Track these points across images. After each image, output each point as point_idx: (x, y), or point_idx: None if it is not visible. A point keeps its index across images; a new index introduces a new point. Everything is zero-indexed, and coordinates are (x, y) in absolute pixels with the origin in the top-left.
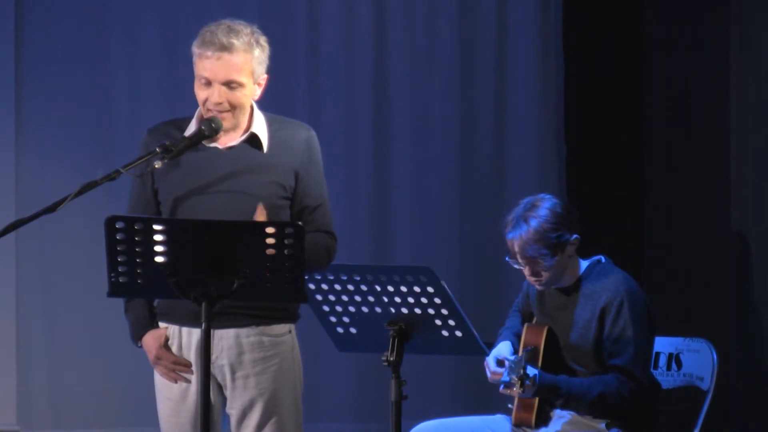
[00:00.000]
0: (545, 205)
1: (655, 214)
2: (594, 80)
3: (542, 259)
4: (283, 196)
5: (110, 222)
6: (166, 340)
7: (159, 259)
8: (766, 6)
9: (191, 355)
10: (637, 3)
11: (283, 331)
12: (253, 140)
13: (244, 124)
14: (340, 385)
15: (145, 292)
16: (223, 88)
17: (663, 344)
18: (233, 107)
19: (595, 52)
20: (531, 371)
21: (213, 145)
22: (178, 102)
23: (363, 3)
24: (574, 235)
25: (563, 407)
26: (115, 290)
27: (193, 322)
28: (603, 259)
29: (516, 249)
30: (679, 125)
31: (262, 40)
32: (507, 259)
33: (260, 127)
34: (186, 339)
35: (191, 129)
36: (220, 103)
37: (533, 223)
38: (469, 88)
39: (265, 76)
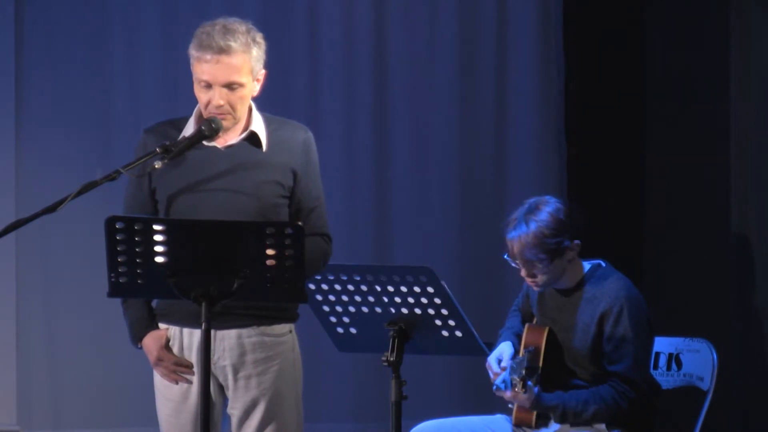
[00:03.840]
0: (547, 209)
1: (655, 214)
2: (594, 80)
3: (539, 263)
4: (282, 194)
5: (110, 222)
6: (167, 341)
7: (159, 259)
8: (766, 5)
9: (192, 355)
10: (637, 3)
11: (284, 331)
12: (252, 138)
13: (242, 125)
14: (340, 385)
15: (145, 292)
16: (224, 90)
17: (663, 344)
18: (234, 108)
19: (595, 52)
20: (535, 373)
21: (212, 144)
22: (178, 102)
23: (363, 3)
24: (575, 240)
25: (559, 423)
26: (115, 290)
27: (193, 323)
28: (603, 264)
29: (515, 251)
30: (679, 125)
31: (258, 37)
32: (505, 257)
33: (259, 126)
34: (187, 340)
35: (189, 129)
36: (222, 106)
37: (533, 226)
38: (469, 88)
39: (263, 71)
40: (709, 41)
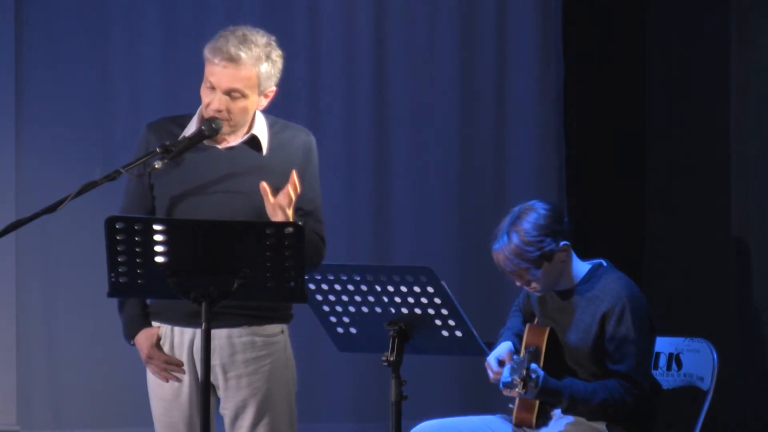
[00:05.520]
0: (529, 218)
1: (655, 214)
2: (594, 80)
3: (526, 272)
4: None
5: (110, 222)
6: (158, 339)
7: (159, 259)
8: (766, 6)
9: (183, 354)
10: (637, 3)
11: (276, 331)
12: (252, 142)
13: (244, 129)
14: (339, 385)
15: (145, 292)
16: (225, 97)
17: (663, 344)
18: (232, 116)
19: (595, 52)
20: (535, 373)
21: (212, 145)
22: (178, 102)
23: (363, 3)
24: (561, 243)
25: (565, 412)
26: (115, 290)
27: (185, 322)
28: (604, 263)
29: (499, 263)
30: (679, 125)
31: (275, 54)
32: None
33: (261, 130)
34: (178, 338)
35: (192, 127)
36: (220, 111)
37: (514, 237)
38: (469, 88)
39: (274, 88)
40: (710, 41)
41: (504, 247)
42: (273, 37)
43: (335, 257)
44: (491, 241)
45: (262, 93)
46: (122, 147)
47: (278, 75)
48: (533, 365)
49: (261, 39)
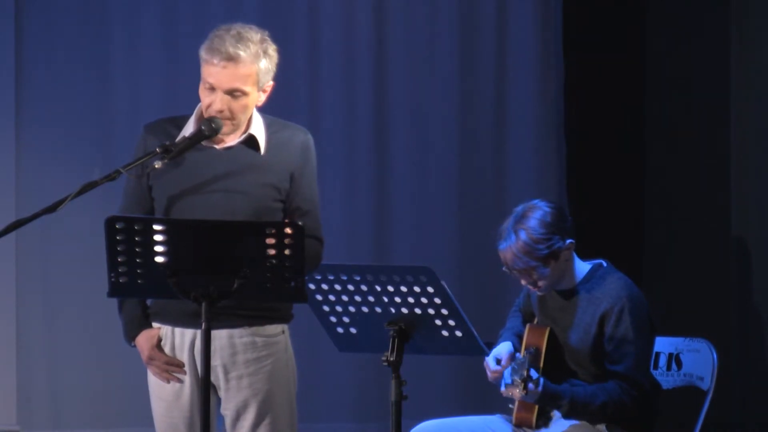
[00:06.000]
0: (535, 215)
1: (655, 214)
2: (594, 80)
3: (534, 270)
4: (278, 198)
5: (110, 222)
6: (159, 340)
7: (159, 259)
8: (766, 6)
9: (184, 355)
10: (637, 3)
11: (276, 331)
12: (250, 142)
13: (242, 129)
14: (339, 385)
15: (145, 292)
16: (226, 97)
17: (663, 344)
18: (234, 115)
19: (595, 51)
20: (535, 375)
21: (210, 146)
22: (178, 102)
23: (363, 3)
24: (568, 241)
25: (565, 417)
26: (115, 290)
27: (186, 323)
28: (604, 264)
29: (507, 262)
30: (679, 125)
31: (271, 49)
32: (504, 269)
33: (258, 129)
34: (179, 339)
35: (189, 128)
36: (222, 111)
37: (522, 235)
38: (469, 88)
39: (271, 83)
40: (710, 41)
41: (512, 245)
42: (266, 32)
43: (335, 257)
44: (496, 242)
45: (260, 89)
46: (122, 147)
47: (275, 69)
48: (533, 371)
49: (255, 35)
